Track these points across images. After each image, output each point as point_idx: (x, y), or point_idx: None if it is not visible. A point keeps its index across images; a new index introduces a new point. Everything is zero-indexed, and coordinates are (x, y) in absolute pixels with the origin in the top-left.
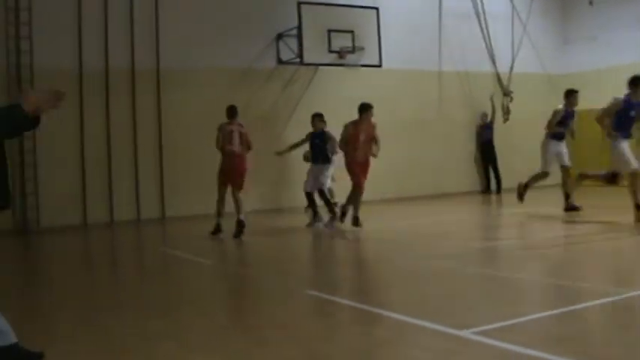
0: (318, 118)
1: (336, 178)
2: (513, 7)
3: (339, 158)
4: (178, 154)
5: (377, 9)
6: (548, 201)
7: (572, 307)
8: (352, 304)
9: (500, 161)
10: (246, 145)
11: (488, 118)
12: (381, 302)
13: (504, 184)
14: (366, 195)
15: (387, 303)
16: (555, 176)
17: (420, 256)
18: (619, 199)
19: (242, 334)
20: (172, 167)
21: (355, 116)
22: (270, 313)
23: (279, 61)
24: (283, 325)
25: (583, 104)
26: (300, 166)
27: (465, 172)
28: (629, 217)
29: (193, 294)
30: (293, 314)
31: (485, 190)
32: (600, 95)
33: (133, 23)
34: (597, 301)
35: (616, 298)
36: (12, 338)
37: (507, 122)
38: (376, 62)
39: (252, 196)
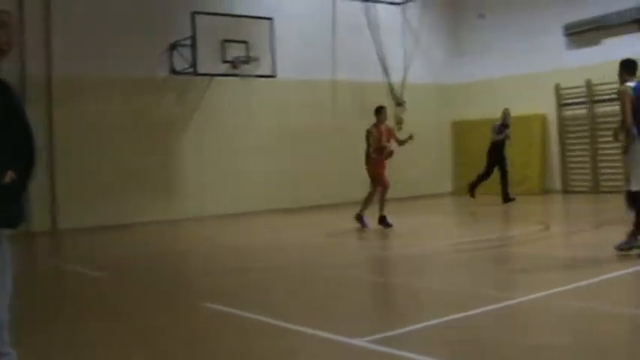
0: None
1: None
2: (405, 19)
3: None
4: (71, 164)
5: (271, 19)
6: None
7: (466, 313)
8: (249, 315)
9: (394, 170)
10: None
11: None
12: (278, 313)
13: (398, 194)
14: (257, 205)
15: (284, 314)
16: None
17: (316, 265)
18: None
19: (144, 348)
20: (64, 178)
21: (247, 125)
22: (169, 328)
23: (173, 71)
24: (184, 340)
25: (475, 114)
26: (179, 176)
27: (357, 181)
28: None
29: (81, 307)
30: (190, 328)
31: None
32: (492, 106)
33: (24, 32)
34: (490, 307)
35: (508, 303)
36: None
37: (400, 132)
38: (270, 72)
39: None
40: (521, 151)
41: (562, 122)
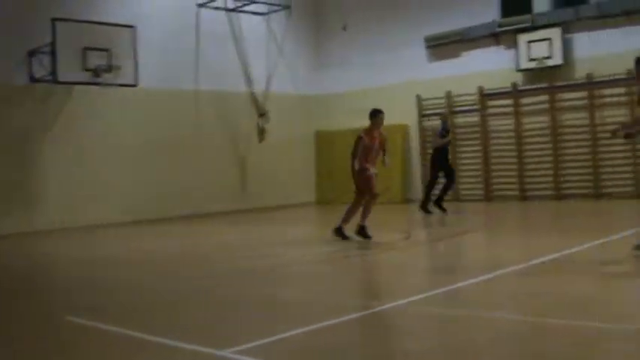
0: None
1: None
2: (269, 29)
3: None
4: None
5: (133, 27)
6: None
7: (329, 322)
8: (110, 328)
9: (257, 180)
10: None
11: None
12: (143, 326)
13: (262, 203)
14: (121, 216)
15: (148, 327)
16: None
17: (179, 277)
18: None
19: None
20: None
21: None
22: (29, 343)
23: (32, 79)
24: (40, 355)
25: (338, 125)
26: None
27: (221, 192)
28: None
29: None
30: (48, 343)
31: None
32: (355, 117)
33: None
34: (354, 315)
35: (371, 311)
36: None
37: (263, 142)
38: (132, 81)
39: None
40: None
41: (423, 133)
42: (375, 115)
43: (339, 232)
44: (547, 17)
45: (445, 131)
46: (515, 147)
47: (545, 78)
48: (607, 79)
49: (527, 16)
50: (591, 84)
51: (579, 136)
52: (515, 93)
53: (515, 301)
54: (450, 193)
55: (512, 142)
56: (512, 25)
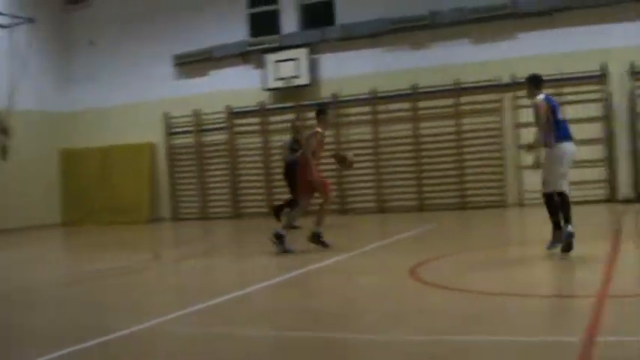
0: None
1: None
2: (12, 42)
3: None
4: None
5: None
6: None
7: (77, 347)
8: None
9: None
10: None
11: None
12: None
13: (3, 225)
14: None
15: None
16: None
17: None
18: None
19: None
20: None
21: None
22: None
23: None
24: None
25: (86, 143)
26: None
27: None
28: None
29: None
30: None
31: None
32: (103, 134)
33: None
34: (102, 339)
35: (121, 333)
36: None
37: (9, 161)
38: None
39: None
40: (131, 179)
41: (171, 151)
42: (325, 112)
43: (317, 239)
44: (295, 38)
45: (296, 144)
46: (263, 164)
47: (292, 97)
48: (352, 98)
49: (275, 37)
50: (337, 103)
51: (327, 152)
52: (262, 112)
53: (267, 316)
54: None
55: (259, 160)
56: (261, 44)
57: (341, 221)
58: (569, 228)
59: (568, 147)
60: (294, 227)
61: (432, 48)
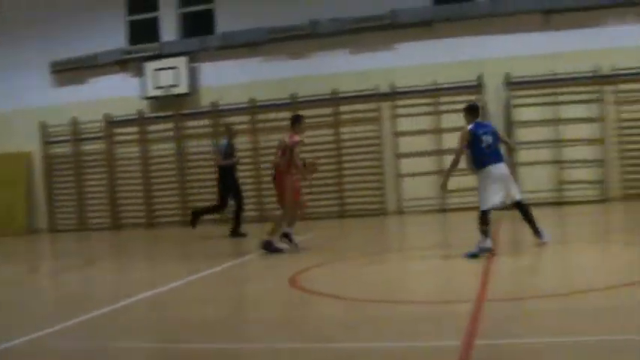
0: None
1: None
2: None
3: None
4: None
5: None
6: None
7: None
8: None
9: None
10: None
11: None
12: None
13: None
14: None
15: None
16: None
17: None
18: None
19: None
20: None
21: None
22: None
23: None
24: None
25: None
26: None
27: None
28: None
29: None
30: None
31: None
32: None
33: None
34: None
35: None
36: None
37: None
38: None
39: None
40: (6, 190)
41: (48, 160)
42: (300, 120)
43: (269, 246)
44: (174, 46)
45: (231, 148)
46: (142, 174)
47: (171, 106)
48: (231, 107)
49: (154, 44)
50: (216, 112)
51: (206, 162)
52: (141, 120)
53: (147, 328)
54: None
55: (139, 170)
56: (140, 52)
57: (220, 231)
58: (487, 243)
59: (492, 170)
60: (242, 234)
61: (311, 57)
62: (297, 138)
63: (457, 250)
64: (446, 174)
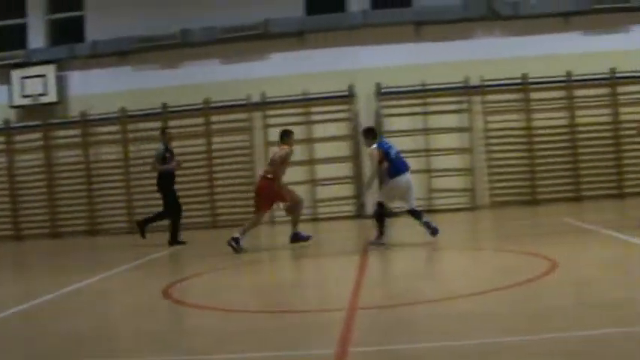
0: None
1: None
2: None
3: None
4: None
5: None
6: None
7: None
8: None
9: None
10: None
11: None
12: None
13: None
14: None
15: None
16: None
17: None
18: None
19: None
20: None
21: None
22: None
23: None
24: None
25: None
26: None
27: None
28: None
29: None
30: None
31: None
32: None
33: None
34: None
35: None
36: None
37: None
38: None
39: None
40: None
41: None
42: (289, 134)
43: (236, 243)
44: (42, 54)
45: (169, 153)
46: (8, 185)
47: (39, 115)
48: (101, 117)
49: (21, 52)
50: (86, 122)
51: (75, 173)
52: (8, 130)
53: (12, 344)
54: (157, 222)
55: (6, 181)
56: (6, 60)
57: (95, 242)
58: (380, 240)
59: (400, 180)
60: (182, 242)
61: (183, 67)
62: (285, 148)
63: (331, 258)
64: (365, 188)
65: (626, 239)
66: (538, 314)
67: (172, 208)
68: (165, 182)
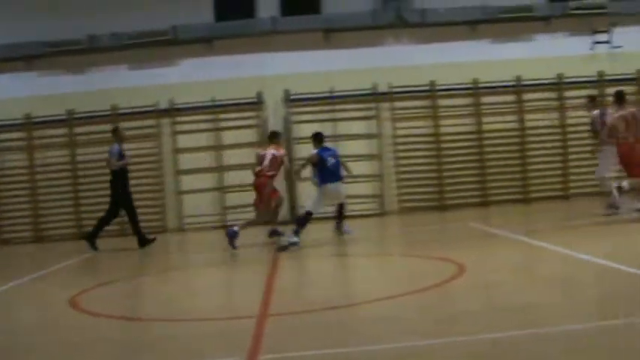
0: None
1: None
2: None
3: None
4: None
5: None
6: None
7: None
8: None
9: None
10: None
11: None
12: None
13: None
14: None
15: None
16: None
17: None
18: None
19: None
20: None
21: None
22: None
23: None
24: None
25: None
26: None
27: None
28: None
29: None
30: None
31: None
32: None
33: None
34: None
35: None
36: None
37: None
38: None
39: None
40: None
41: None
42: (278, 136)
43: (232, 236)
44: None
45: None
46: None
47: None
48: (6, 123)
49: None
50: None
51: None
52: None
53: None
54: (105, 226)
55: None
56: None
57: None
58: (294, 238)
59: (329, 187)
60: (151, 240)
61: (90, 72)
62: (282, 150)
63: (240, 265)
64: (298, 169)
65: (531, 243)
66: (447, 318)
67: (115, 209)
68: (119, 181)
